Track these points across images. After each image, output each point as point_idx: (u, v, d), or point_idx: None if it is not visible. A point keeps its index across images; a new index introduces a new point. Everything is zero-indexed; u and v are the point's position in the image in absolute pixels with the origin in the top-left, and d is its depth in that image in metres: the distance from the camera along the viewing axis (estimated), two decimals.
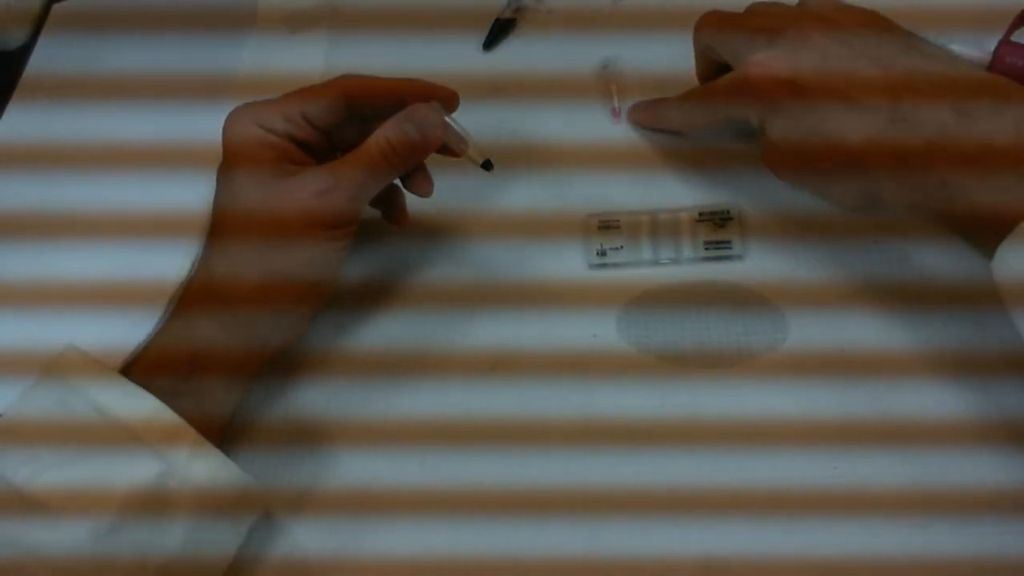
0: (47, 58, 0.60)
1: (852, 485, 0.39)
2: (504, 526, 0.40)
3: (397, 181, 0.44)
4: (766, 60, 0.40)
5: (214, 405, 0.40)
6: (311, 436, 0.43)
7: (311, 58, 0.56)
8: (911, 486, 0.38)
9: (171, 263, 0.47)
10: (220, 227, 0.41)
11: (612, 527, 0.39)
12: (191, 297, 0.40)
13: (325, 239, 0.41)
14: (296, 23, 0.58)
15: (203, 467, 0.36)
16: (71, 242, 0.51)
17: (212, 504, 0.37)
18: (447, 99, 0.43)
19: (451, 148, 0.43)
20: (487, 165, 0.43)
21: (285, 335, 0.42)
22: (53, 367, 0.38)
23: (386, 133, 0.41)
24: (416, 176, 0.44)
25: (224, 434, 0.41)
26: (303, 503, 0.41)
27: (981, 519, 0.37)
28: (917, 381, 0.41)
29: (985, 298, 0.37)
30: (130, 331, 0.41)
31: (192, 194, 0.46)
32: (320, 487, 0.42)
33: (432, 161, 0.44)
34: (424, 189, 0.44)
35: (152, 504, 0.35)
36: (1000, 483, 0.38)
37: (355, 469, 0.42)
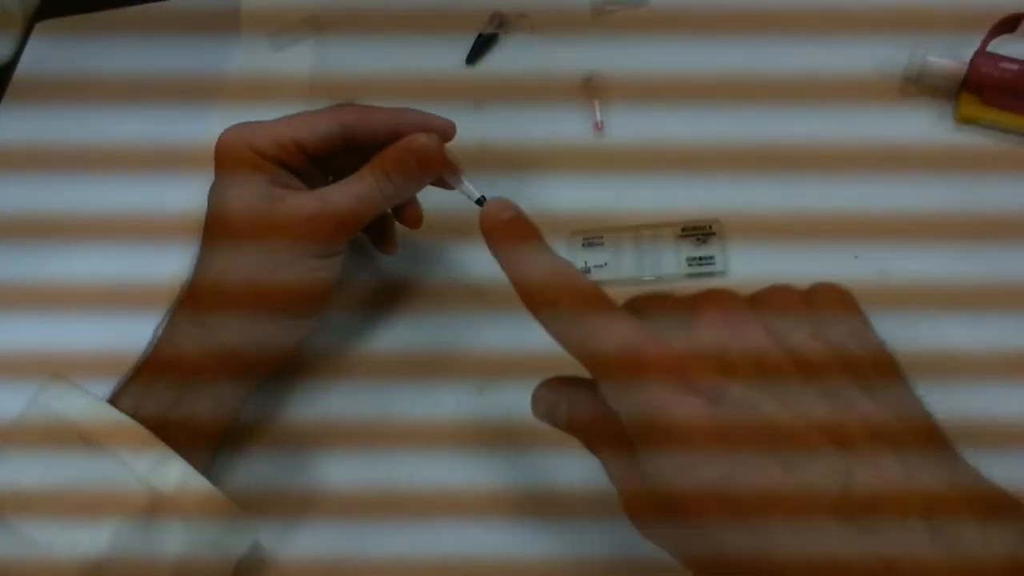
0: (33, 66, 0.61)
1: None
2: (499, 527, 0.41)
3: (388, 210, 0.44)
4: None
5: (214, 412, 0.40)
6: (300, 439, 0.44)
7: (296, 69, 0.57)
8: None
9: (161, 266, 0.48)
10: (209, 251, 0.41)
11: (609, 527, 0.40)
12: (180, 315, 0.41)
13: (313, 266, 0.40)
14: (279, 34, 0.58)
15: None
16: (65, 245, 0.52)
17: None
18: (444, 130, 0.42)
19: (445, 180, 0.43)
20: (480, 201, 0.43)
21: (273, 364, 0.43)
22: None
23: (383, 161, 0.40)
24: (407, 208, 0.44)
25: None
26: (295, 507, 0.42)
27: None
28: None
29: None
30: (116, 334, 0.41)
31: (179, 199, 0.46)
32: (311, 491, 0.43)
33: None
34: (414, 222, 0.44)
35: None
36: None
37: (349, 473, 0.43)
